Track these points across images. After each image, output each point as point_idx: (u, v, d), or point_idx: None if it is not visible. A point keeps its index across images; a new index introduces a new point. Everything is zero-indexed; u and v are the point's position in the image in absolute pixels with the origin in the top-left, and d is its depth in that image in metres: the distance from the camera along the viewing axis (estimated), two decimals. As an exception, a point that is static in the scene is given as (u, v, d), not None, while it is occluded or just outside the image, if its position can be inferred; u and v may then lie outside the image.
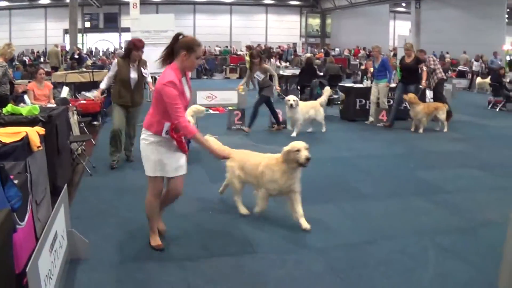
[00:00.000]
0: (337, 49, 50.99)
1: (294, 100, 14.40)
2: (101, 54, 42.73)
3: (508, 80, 21.96)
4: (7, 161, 5.81)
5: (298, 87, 21.63)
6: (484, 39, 38.64)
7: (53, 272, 5.05)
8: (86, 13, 55.65)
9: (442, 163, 11.61)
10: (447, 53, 41.77)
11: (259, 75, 15.05)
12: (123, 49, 33.47)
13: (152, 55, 15.69)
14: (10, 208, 4.66)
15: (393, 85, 17.10)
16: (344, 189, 9.40)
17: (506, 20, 41.67)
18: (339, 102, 18.64)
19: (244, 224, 7.48)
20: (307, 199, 7.58)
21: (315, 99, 16.93)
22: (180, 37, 6.08)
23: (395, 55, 30.19)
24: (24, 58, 41.55)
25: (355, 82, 24.23)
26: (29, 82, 14.46)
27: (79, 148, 11.25)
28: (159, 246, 6.48)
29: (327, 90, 15.68)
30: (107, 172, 10.24)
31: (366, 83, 19.04)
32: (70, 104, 12.50)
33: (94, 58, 34.50)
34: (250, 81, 15.98)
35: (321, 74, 21.90)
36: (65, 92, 14.47)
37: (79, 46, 40.13)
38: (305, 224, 7.18)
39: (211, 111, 18.92)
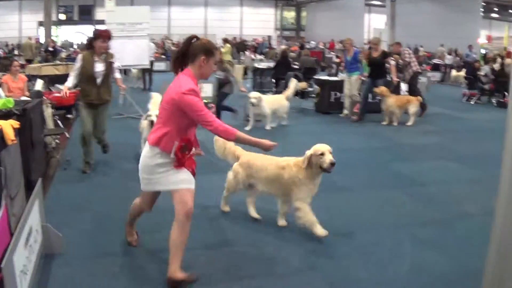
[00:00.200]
0: (312, 42, 50.96)
1: (255, 98, 14.24)
2: (75, 46, 42.36)
3: (483, 73, 22.09)
4: (-19, 155, 5.74)
5: (273, 80, 21.61)
6: (459, 33, 38.87)
7: (28, 267, 5.00)
8: (60, 5, 55.00)
9: (417, 155, 11.67)
10: (421, 46, 41.92)
11: (219, 74, 14.86)
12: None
13: (127, 47, 15.85)
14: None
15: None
16: (321, 182, 9.39)
17: (481, 14, 41.96)
18: (314, 95, 18.60)
19: (222, 218, 7.48)
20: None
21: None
22: (194, 40, 5.36)
23: (370, 48, 30.22)
24: (-2, 51, 41.14)
25: (330, 75, 24.23)
26: (3, 75, 14.25)
27: (53, 142, 11.12)
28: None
29: (293, 83, 15.59)
30: (81, 165, 10.13)
31: (342, 76, 19.05)
32: (44, 97, 12.35)
33: (64, 50, 34.11)
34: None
35: (296, 67, 21.89)
36: (39, 85, 14.32)
37: (54, 38, 39.76)
38: (320, 231, 6.74)
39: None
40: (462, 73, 26.63)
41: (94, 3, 55.41)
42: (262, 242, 6.68)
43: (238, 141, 5.52)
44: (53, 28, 43.01)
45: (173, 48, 37.26)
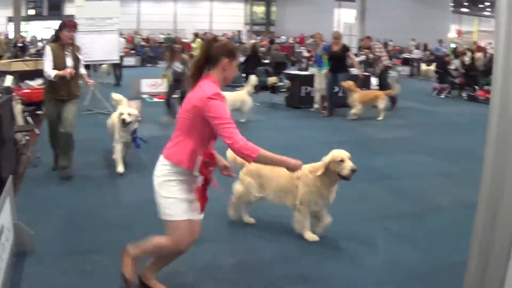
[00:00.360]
0: (283, 37, 51.04)
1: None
2: (44, 42, 41.84)
3: (453, 67, 22.21)
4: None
5: (243, 75, 21.57)
6: (429, 27, 39.25)
7: (1, 265, 4.94)
8: (30, 0, 54.58)
9: (389, 149, 11.67)
10: (391, 41, 42.14)
11: (177, 66, 13.99)
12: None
13: (97, 42, 15.69)
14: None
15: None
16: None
17: (451, 8, 42.29)
18: (284, 90, 18.57)
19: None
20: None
21: (261, 86, 16.88)
22: (214, 43, 4.77)
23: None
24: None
25: (300, 70, 24.24)
26: (-28, 71, 14.08)
27: (23, 139, 10.92)
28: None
29: (252, 79, 15.31)
30: (52, 162, 9.94)
31: (312, 71, 19.02)
32: (14, 93, 12.15)
33: (31, 46, 33.74)
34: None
35: (267, 61, 21.87)
36: (8, 81, 14.11)
37: (23, 34, 39.32)
38: (311, 237, 6.56)
39: (155, 99, 18.73)
40: (432, 67, 26.79)
41: (64, -2, 54.96)
42: (235, 236, 6.64)
43: (259, 161, 4.69)
44: (22, 23, 42.50)
45: (142, 43, 37.05)
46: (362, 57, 19.61)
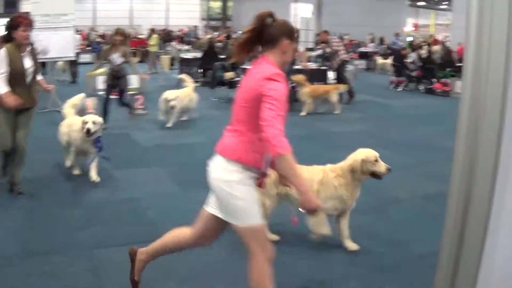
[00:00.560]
0: (240, 32, 51.00)
1: (174, 100, 13.01)
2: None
3: (410, 60, 22.38)
4: None
5: (200, 70, 21.51)
6: (386, 21, 39.60)
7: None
8: (-16, -3, 53.82)
9: (346, 143, 11.61)
10: (346, 34, 42.37)
11: (116, 59, 12.43)
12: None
13: (52, 39, 15.41)
14: None
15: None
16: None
17: (408, 2, 42.69)
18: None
19: (150, 212, 7.34)
20: (205, 186, 7.42)
21: (218, 82, 16.80)
22: (269, 20, 4.19)
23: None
24: None
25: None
26: None
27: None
28: None
29: (186, 77, 14.72)
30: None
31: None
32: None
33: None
34: (102, 64, 13.94)
35: (223, 57, 21.83)
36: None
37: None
38: (352, 246, 6.17)
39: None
40: (389, 60, 26.97)
41: (20, -6, 54.21)
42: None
43: (281, 163, 3.76)
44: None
45: (98, 39, 36.67)
46: (319, 51, 19.63)
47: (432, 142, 11.64)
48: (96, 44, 32.78)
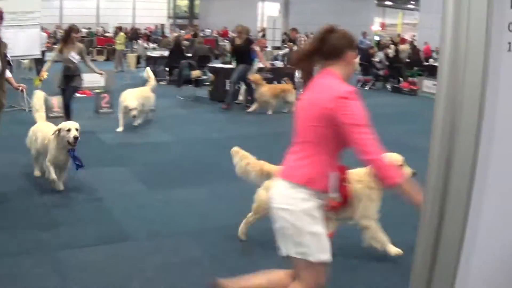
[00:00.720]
0: (208, 30, 50.94)
1: (135, 109, 12.47)
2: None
3: (377, 59, 22.50)
4: None
5: (167, 69, 21.47)
6: (353, 20, 39.72)
7: None
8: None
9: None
10: (311, 33, 42.53)
11: (73, 56, 12.16)
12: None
13: (19, 37, 15.17)
14: None
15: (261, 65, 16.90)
16: (216, 171, 9.20)
17: (375, 1, 43.01)
18: (208, 83, 18.47)
19: (115, 211, 7.29)
20: (179, 182, 7.33)
21: (184, 80, 16.71)
22: (332, 32, 4.04)
23: (263, 36, 30.46)
24: None
25: (224, 63, 24.22)
26: None
27: None
28: None
29: (150, 73, 14.21)
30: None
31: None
32: None
33: None
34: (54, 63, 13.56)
35: (190, 55, 21.82)
36: None
37: None
38: (395, 250, 5.88)
39: (78, 95, 18.34)
40: (356, 59, 27.04)
41: (-14, -8, 53.56)
42: (160, 234, 6.41)
43: (400, 189, 3.68)
44: None
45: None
46: (286, 50, 19.63)
47: (401, 141, 11.63)
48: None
